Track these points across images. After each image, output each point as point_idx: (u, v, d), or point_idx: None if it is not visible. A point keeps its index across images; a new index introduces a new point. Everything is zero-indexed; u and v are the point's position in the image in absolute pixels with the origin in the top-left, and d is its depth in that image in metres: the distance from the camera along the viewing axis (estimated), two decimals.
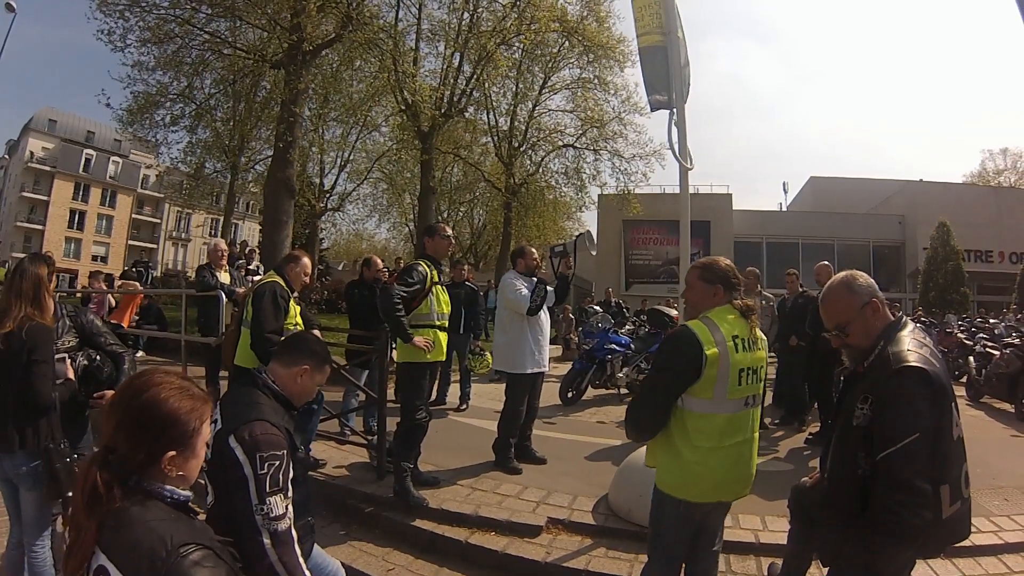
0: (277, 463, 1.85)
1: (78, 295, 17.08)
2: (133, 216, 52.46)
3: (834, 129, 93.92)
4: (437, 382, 7.40)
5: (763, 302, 6.71)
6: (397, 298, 3.81)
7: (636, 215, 23.45)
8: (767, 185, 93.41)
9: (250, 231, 44.90)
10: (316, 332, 4.38)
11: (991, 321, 13.99)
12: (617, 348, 8.11)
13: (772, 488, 3.82)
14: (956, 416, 1.89)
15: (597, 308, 12.22)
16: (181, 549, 1.17)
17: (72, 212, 48.53)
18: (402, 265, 8.38)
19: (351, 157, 25.62)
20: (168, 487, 1.31)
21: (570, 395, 7.76)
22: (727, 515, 3.63)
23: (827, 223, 30.42)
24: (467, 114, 20.98)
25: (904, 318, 2.09)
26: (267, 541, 1.79)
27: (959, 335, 11.04)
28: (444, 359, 4.43)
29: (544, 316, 4.93)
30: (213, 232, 43.50)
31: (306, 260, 4.30)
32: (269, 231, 14.49)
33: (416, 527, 3.72)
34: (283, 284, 4.06)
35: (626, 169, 21.56)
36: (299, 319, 4.28)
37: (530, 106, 22.40)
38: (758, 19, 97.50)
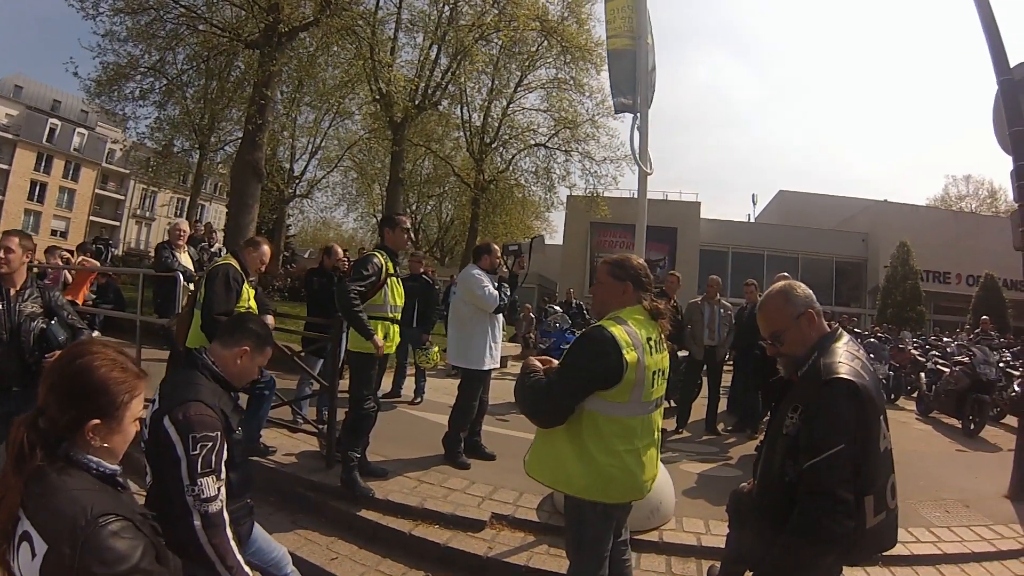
0: (210, 444, 1.83)
1: (35, 270, 16.49)
2: (96, 191, 50.45)
3: (805, 144, 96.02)
4: (392, 375, 7.38)
5: (721, 311, 6.88)
6: (354, 294, 3.78)
7: (604, 218, 23.62)
8: (737, 195, 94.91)
9: (217, 213, 43.96)
10: (269, 318, 4.31)
11: (944, 339, 14.46)
12: None
13: (718, 493, 3.89)
14: (884, 428, 1.93)
15: (557, 308, 12.29)
16: (100, 519, 1.18)
17: (33, 183, 46.31)
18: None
19: (322, 144, 25.48)
20: (94, 459, 1.31)
21: None
22: (672, 519, 3.78)
23: (793, 236, 31.06)
24: (441, 107, 20.86)
25: (839, 330, 2.11)
26: (198, 522, 1.78)
27: (912, 351, 11.37)
28: (393, 352, 4.39)
29: (500, 315, 4.96)
30: (179, 212, 42.34)
31: (266, 248, 4.31)
32: (235, 213, 14.23)
33: (362, 517, 3.70)
34: (237, 267, 4.03)
35: (596, 172, 21.71)
36: (252, 303, 4.22)
37: (504, 103, 22.42)
38: (737, 31, 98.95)
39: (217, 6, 14.78)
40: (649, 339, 2.24)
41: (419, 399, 7.06)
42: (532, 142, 22.77)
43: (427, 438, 5.04)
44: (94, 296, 9.50)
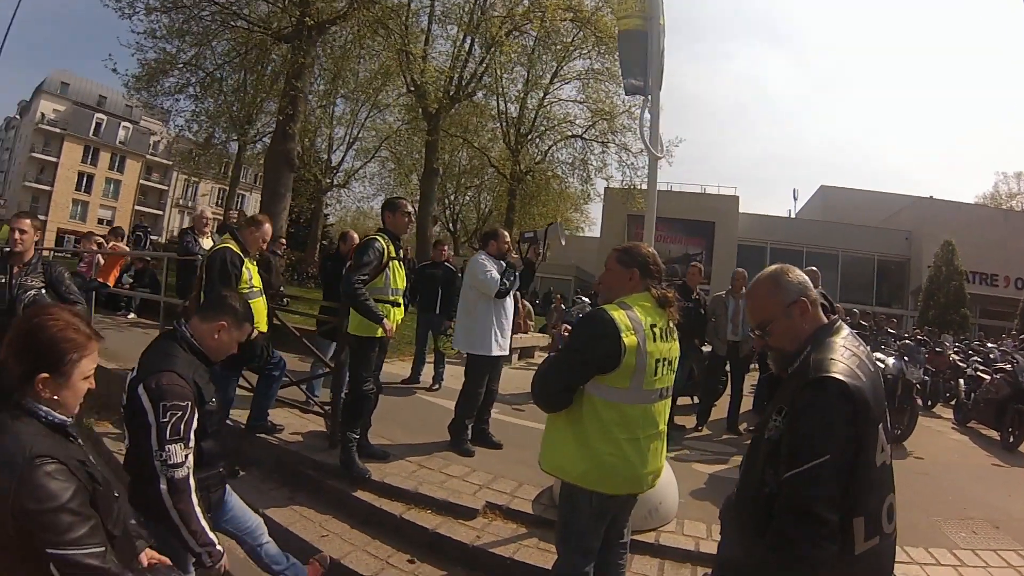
0: (180, 413, 1.94)
1: (69, 255, 17.20)
2: (141, 182, 52.57)
3: (849, 139, 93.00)
4: (412, 361, 7.42)
5: (746, 305, 6.65)
6: (358, 284, 3.79)
7: (640, 210, 23.31)
8: (778, 191, 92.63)
9: (255, 202, 44.92)
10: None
11: (988, 345, 13.76)
12: None
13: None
14: (883, 440, 1.65)
15: (584, 299, 12.07)
16: (37, 460, 1.32)
17: (80, 175, 48.69)
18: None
19: (360, 135, 25.58)
20: (44, 407, 1.43)
21: None
22: (672, 520, 3.65)
23: (834, 233, 30.20)
24: (476, 98, 20.94)
25: (838, 323, 1.84)
26: (164, 487, 1.90)
27: (952, 356, 10.85)
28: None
29: (509, 301, 4.90)
30: (219, 201, 43.56)
31: (267, 226, 4.38)
32: (268, 202, 14.51)
33: (356, 497, 3.71)
34: (236, 249, 4.11)
35: (633, 163, 21.27)
36: (256, 282, 4.28)
37: (541, 94, 22.17)
38: (777, 22, 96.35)
39: (253, 3, 14.94)
40: (654, 326, 2.20)
41: (437, 385, 7.05)
42: (569, 133, 22.58)
43: (437, 424, 5.00)
44: (131, 280, 9.84)
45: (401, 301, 4.20)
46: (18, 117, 51.13)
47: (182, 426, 1.93)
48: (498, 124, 23.13)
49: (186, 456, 1.94)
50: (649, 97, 3.83)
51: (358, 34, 15.41)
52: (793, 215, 38.46)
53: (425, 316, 7.26)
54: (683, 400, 6.96)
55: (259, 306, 4.24)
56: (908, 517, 1.72)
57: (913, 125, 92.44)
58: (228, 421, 4.38)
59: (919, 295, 26.96)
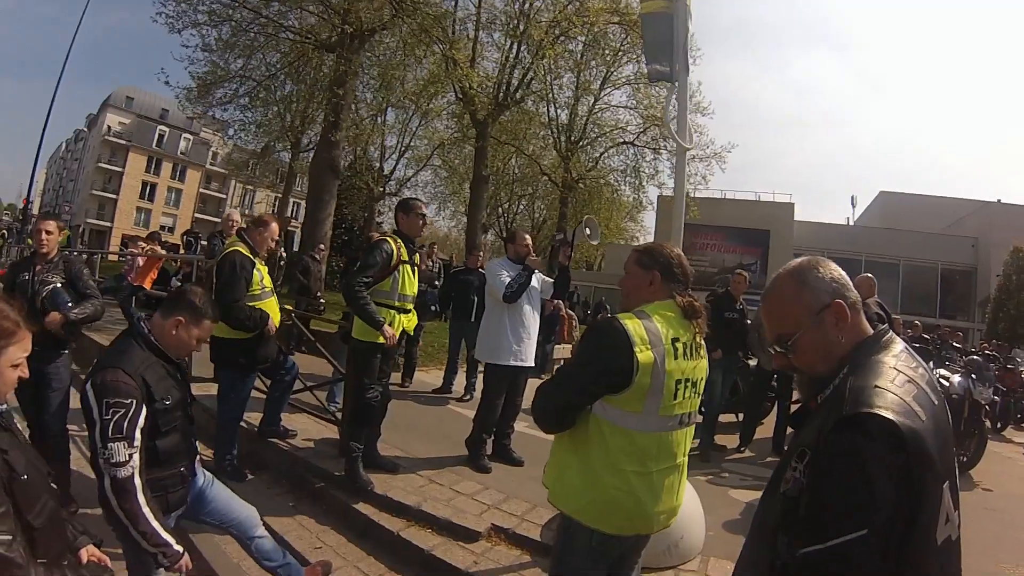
0: (122, 411, 1.90)
1: (111, 257, 17.99)
2: (201, 190, 55.10)
3: (909, 142, 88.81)
4: (443, 370, 7.23)
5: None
6: (360, 286, 3.62)
7: (694, 219, 22.66)
8: (835, 199, 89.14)
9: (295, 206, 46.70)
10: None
11: None
12: None
13: None
14: (949, 504, 1.13)
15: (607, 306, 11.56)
16: None
17: (144, 184, 51.77)
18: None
19: (411, 143, 25.67)
20: None
21: None
22: (696, 557, 3.26)
23: (894, 241, 28.65)
24: (523, 105, 20.77)
25: (889, 335, 1.33)
26: (107, 484, 1.87)
27: None
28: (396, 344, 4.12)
29: (528, 308, 4.59)
30: (274, 209, 44.96)
31: (274, 226, 4.29)
32: (312, 209, 14.82)
33: (356, 510, 3.53)
34: (245, 251, 4.06)
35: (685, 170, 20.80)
36: (268, 283, 4.23)
37: (591, 100, 21.94)
38: (832, 25, 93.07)
39: (296, 13, 15.16)
40: (676, 340, 1.85)
41: (469, 396, 6.80)
42: (620, 140, 22.17)
43: (459, 437, 4.74)
44: (179, 283, 10.10)
45: (410, 308, 3.99)
46: (86, 130, 55.03)
47: (125, 424, 1.89)
48: (549, 131, 22.93)
49: (130, 455, 1.88)
50: (676, 84, 3.53)
51: (404, 42, 15.52)
52: (851, 222, 36.74)
53: (458, 324, 7.08)
54: (726, 417, 6.53)
55: (271, 306, 4.20)
56: (970, 562, 1.23)
57: (977, 125, 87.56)
58: (242, 423, 4.36)
59: (987, 306, 25.27)
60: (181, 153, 52.86)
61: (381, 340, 3.71)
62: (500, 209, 32.61)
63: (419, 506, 3.48)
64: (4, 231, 21.09)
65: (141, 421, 1.94)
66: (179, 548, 1.96)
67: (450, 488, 3.90)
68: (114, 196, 50.24)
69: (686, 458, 1.99)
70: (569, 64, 19.87)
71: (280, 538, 3.16)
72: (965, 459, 5.69)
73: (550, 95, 21.35)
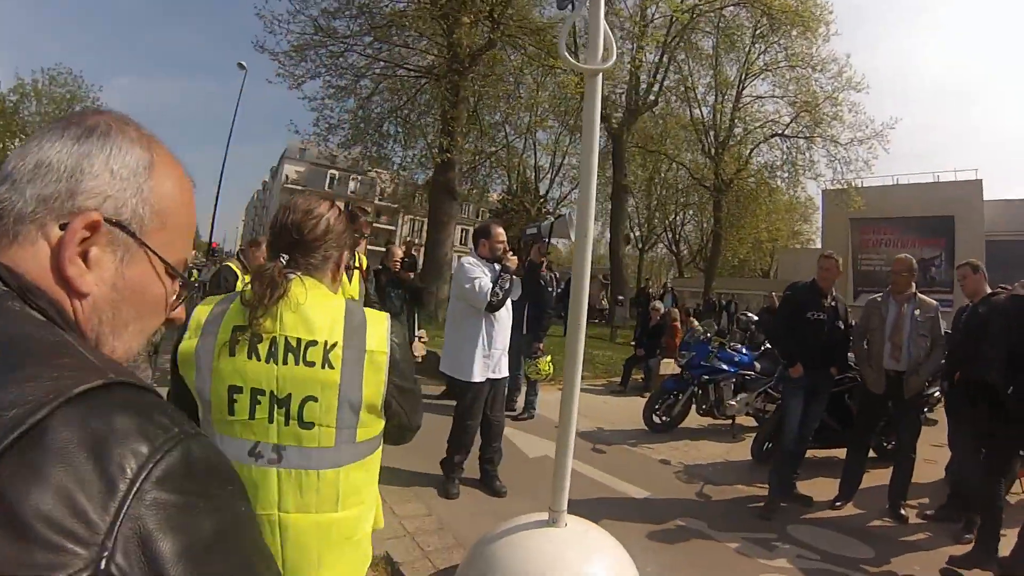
0: None
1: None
2: (373, 225, 60.75)
3: None
4: (506, 388, 6.69)
5: (917, 312, 4.20)
6: None
7: (859, 210, 19.73)
8: None
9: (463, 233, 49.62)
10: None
11: None
12: (725, 367, 6.33)
13: None
14: None
15: (752, 316, 9.85)
16: None
17: None
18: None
19: (564, 161, 26.00)
20: None
21: (658, 420, 6.32)
22: None
23: None
24: (660, 108, 20.27)
25: None
26: None
27: None
28: None
29: (505, 315, 3.97)
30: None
31: (265, 245, 4.41)
32: (432, 231, 15.35)
33: None
34: (234, 267, 4.43)
35: (844, 157, 18.39)
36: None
37: (732, 94, 20.54)
38: None
39: (407, 54, 15.39)
40: (241, 329, 1.23)
41: (526, 414, 6.28)
42: (769, 133, 20.46)
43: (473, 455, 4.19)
44: None
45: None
46: (270, 180, 64.64)
47: None
48: (692, 133, 21.78)
49: None
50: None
51: (523, 60, 15.49)
52: None
53: (513, 337, 6.50)
54: (823, 453, 5.09)
55: None
56: None
57: None
58: None
59: None
60: (351, 192, 58.74)
61: None
62: (667, 221, 32.41)
63: None
64: (196, 268, 24.74)
65: None
66: None
67: (391, 507, 3.44)
68: None
69: (313, 516, 1.23)
70: (700, 59, 18.49)
71: None
72: None
73: (690, 94, 20.28)
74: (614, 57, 2.31)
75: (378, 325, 1.29)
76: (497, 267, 3.86)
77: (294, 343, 1.22)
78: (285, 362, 1.22)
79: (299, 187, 58.15)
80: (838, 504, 4.34)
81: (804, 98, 18.29)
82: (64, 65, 30.65)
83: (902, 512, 4.19)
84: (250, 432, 1.22)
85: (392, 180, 24.60)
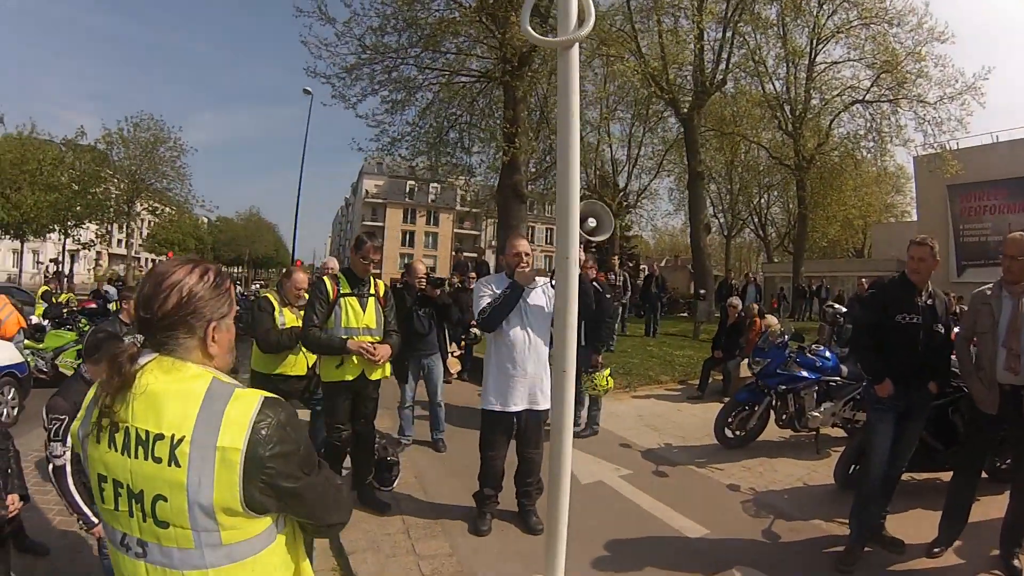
0: (57, 424, 2.59)
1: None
2: (455, 231, 61.86)
3: None
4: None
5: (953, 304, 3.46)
6: (310, 324, 3.62)
7: (956, 176, 17.60)
8: None
9: (542, 233, 52.64)
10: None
11: None
12: (806, 375, 5.59)
13: None
14: None
15: (840, 308, 8.91)
16: None
17: (403, 233, 60.77)
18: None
19: (639, 152, 25.30)
20: None
21: (731, 434, 5.66)
22: None
23: None
24: (729, 87, 19.23)
25: None
26: (51, 468, 2.60)
27: None
28: (352, 378, 3.68)
29: (521, 336, 3.54)
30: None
31: (299, 275, 4.49)
32: (502, 235, 15.14)
33: None
34: (271, 298, 4.30)
35: (934, 118, 16.37)
36: (288, 323, 4.27)
37: (805, 63, 18.89)
38: None
39: (461, 56, 15.15)
40: (103, 417, 1.08)
41: (589, 431, 5.86)
42: (849, 100, 18.69)
43: (507, 480, 3.85)
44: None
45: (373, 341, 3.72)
46: (351, 196, 67.81)
47: (61, 430, 2.56)
48: (767, 110, 20.33)
49: (64, 452, 2.56)
50: None
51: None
52: None
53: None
54: (920, 476, 4.36)
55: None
56: None
57: None
58: None
59: None
60: (432, 201, 60.29)
61: (349, 377, 3.60)
62: (752, 204, 31.00)
63: (351, 554, 3.03)
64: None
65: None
66: (94, 519, 2.54)
67: (413, 543, 3.26)
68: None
69: None
70: (765, 29, 17.26)
71: None
72: None
73: (759, 68, 18.89)
74: (591, 22, 1.92)
75: (240, 414, 1.06)
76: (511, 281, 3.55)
77: (143, 435, 1.05)
78: (136, 455, 1.06)
79: (380, 200, 61.34)
80: (936, 551, 3.46)
81: (883, 58, 16.42)
82: (146, 112, 34.58)
83: (1015, 564, 3.30)
84: (118, 523, 1.11)
85: (467, 186, 24.68)
